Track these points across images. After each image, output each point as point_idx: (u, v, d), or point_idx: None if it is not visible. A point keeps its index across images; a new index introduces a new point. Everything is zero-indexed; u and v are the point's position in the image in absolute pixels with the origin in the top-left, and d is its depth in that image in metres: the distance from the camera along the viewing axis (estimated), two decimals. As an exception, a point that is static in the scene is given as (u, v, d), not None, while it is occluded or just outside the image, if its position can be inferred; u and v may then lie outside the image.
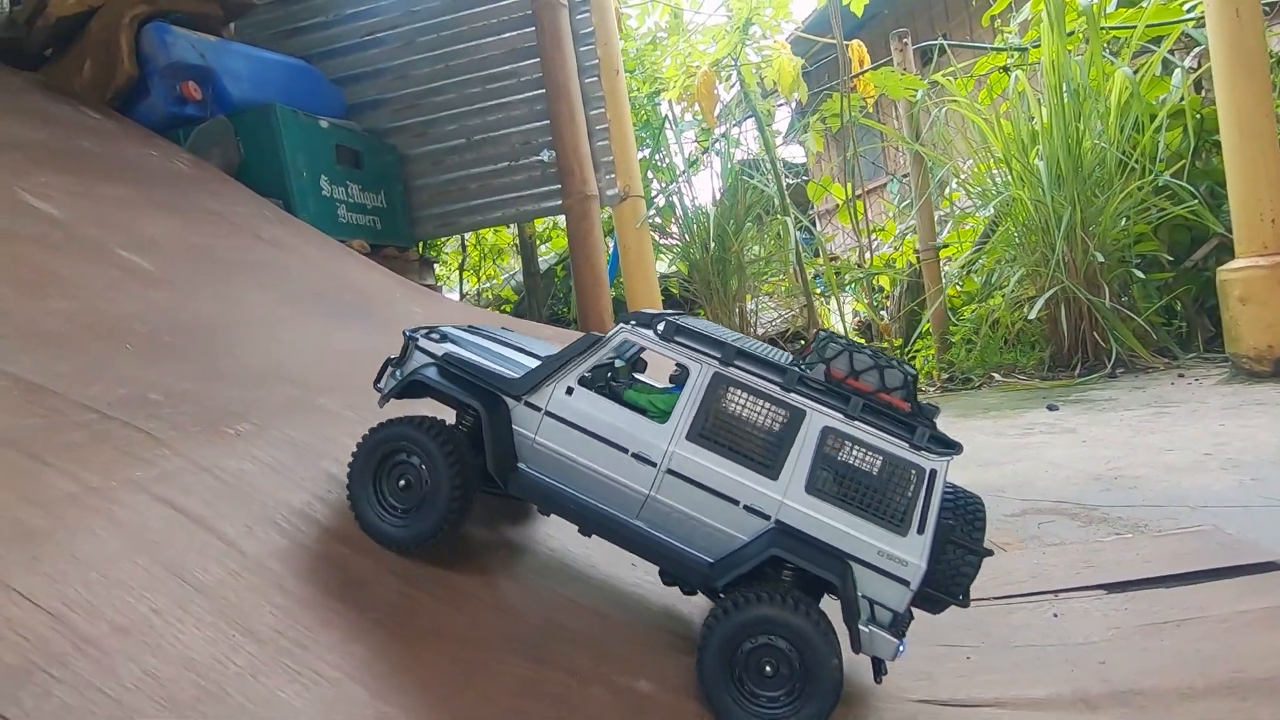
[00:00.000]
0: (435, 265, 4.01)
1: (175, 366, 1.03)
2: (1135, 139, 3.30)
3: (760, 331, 4.13)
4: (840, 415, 0.71)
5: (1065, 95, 3.25)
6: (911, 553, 0.69)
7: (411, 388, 0.83)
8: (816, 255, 4.54)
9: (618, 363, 0.83)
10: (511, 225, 4.31)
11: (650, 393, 0.80)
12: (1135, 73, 3.26)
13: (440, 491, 0.76)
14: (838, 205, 4.76)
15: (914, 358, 4.08)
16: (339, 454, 0.94)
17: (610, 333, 0.78)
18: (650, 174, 4.01)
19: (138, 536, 0.62)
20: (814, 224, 5.26)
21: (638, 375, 0.90)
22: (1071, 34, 3.50)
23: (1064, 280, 3.27)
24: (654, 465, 0.74)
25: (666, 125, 3.98)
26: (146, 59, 2.41)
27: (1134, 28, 3.32)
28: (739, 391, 0.74)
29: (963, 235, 4.18)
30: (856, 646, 0.71)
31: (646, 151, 4.02)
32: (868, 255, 4.25)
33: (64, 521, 0.60)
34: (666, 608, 0.94)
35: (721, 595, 0.73)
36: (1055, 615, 0.99)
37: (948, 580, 0.72)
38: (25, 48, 2.39)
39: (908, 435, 0.70)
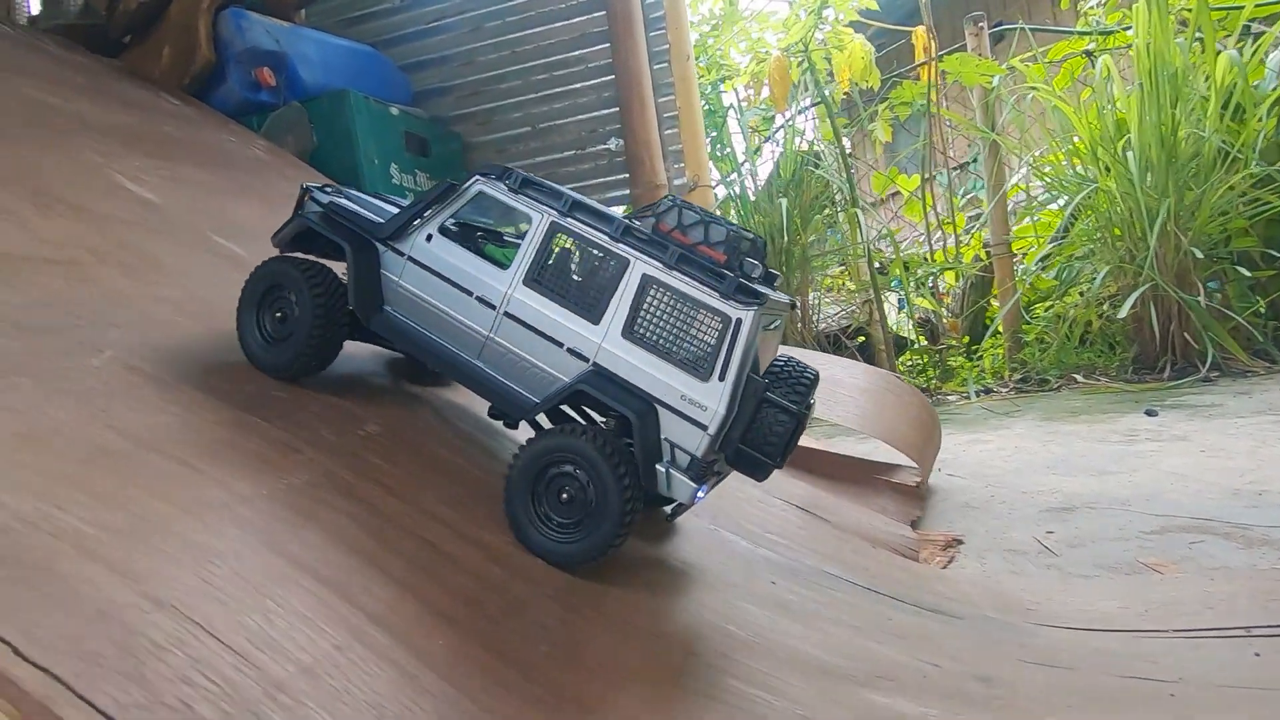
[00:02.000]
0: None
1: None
2: (1233, 128, 3.09)
3: (822, 327, 4.01)
4: (659, 264, 0.74)
5: (1162, 80, 3.05)
6: (710, 398, 0.72)
7: (304, 236, 0.89)
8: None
9: (507, 238, 0.88)
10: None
11: (509, 250, 0.83)
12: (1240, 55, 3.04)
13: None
14: (883, 198, 4.60)
15: (982, 356, 3.92)
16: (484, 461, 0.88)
17: (468, 183, 0.82)
18: (711, 165, 3.89)
19: (300, 555, 0.56)
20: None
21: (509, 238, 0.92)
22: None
23: (1155, 277, 3.08)
24: (494, 308, 0.80)
25: (730, 113, 3.86)
26: (223, 45, 2.40)
27: (1240, 8, 3.10)
28: (572, 239, 0.78)
29: (1038, 229, 3.99)
30: (652, 484, 0.73)
31: (709, 141, 3.91)
32: (933, 249, 4.09)
33: (225, 537, 0.55)
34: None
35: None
36: (1257, 655, 0.88)
37: (761, 439, 0.73)
38: (107, 34, 2.39)
39: (718, 284, 0.72)
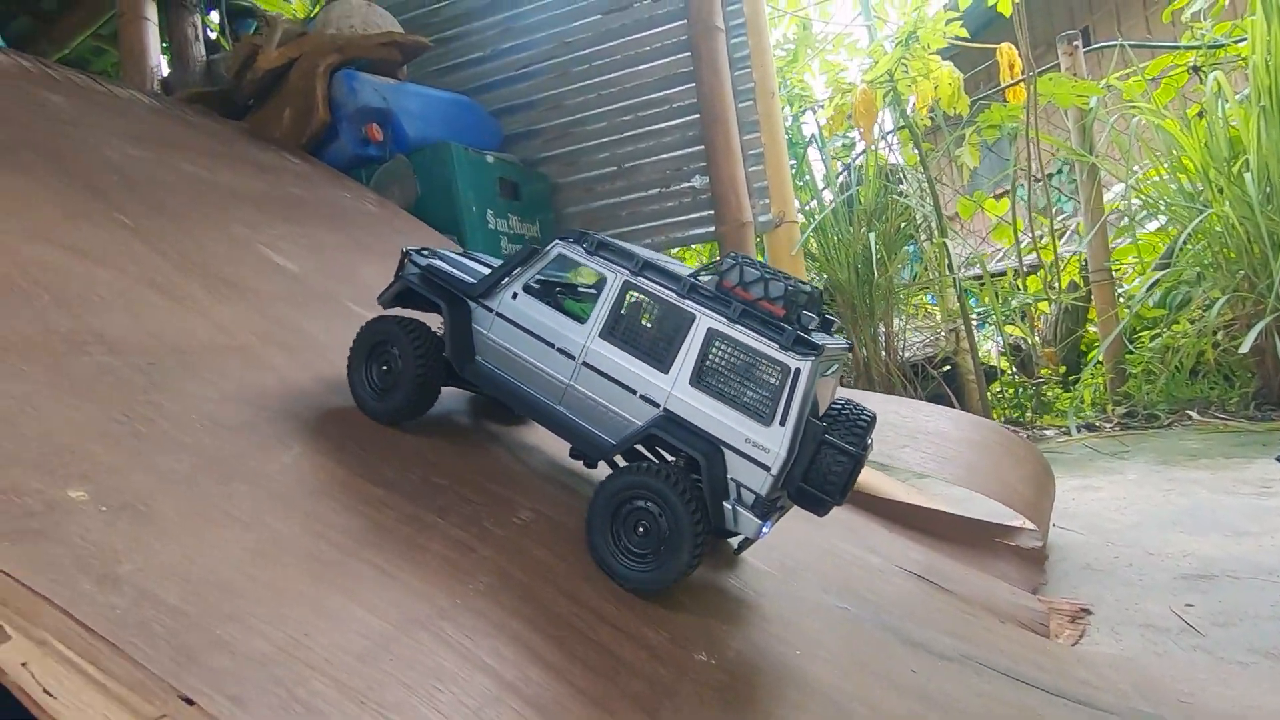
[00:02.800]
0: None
1: (437, 432, 1.04)
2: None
3: (906, 355, 3.91)
4: (723, 319, 0.81)
5: (1286, 98, 2.86)
6: (773, 441, 0.78)
7: (404, 295, 1.01)
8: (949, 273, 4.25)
9: (581, 289, 0.99)
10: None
11: (587, 305, 0.91)
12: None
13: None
14: (968, 222, 4.45)
15: (1081, 388, 3.73)
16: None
17: (549, 247, 0.92)
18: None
19: (503, 673, 0.60)
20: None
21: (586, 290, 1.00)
22: None
23: (1280, 307, 2.87)
24: (573, 359, 0.88)
25: (811, 144, 3.84)
26: (337, 104, 2.56)
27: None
28: (643, 296, 0.86)
29: (1141, 252, 3.78)
30: (720, 521, 0.80)
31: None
32: (1024, 274, 3.94)
33: (439, 657, 0.58)
34: None
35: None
36: None
37: (821, 478, 0.79)
38: (234, 99, 2.59)
39: (778, 337, 0.78)
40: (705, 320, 0.82)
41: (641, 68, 3.12)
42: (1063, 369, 3.86)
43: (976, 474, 1.62)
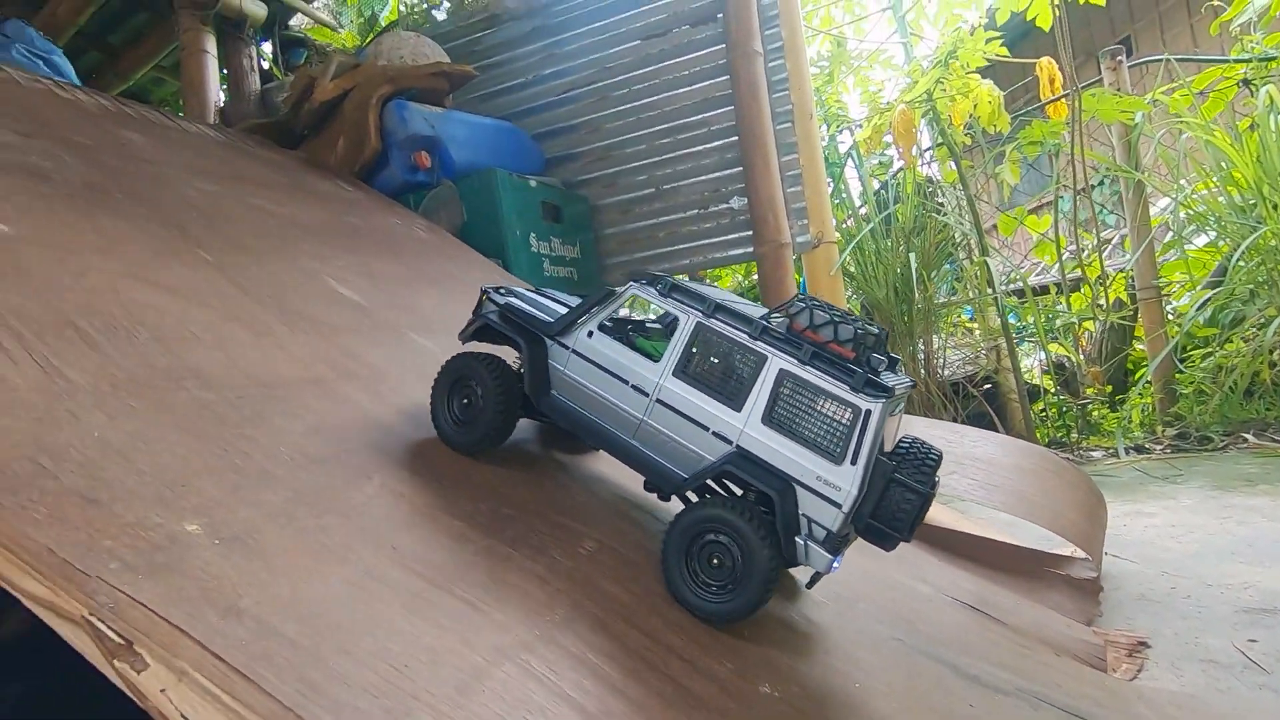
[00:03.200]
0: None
1: (504, 463, 1.08)
2: None
3: (946, 374, 3.87)
4: (795, 360, 0.84)
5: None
6: (844, 480, 0.81)
7: (482, 330, 1.07)
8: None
9: (648, 324, 1.03)
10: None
11: (657, 342, 0.96)
12: None
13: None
14: (1009, 239, 4.39)
15: (1129, 408, 3.65)
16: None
17: (623, 289, 0.97)
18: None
19: (586, 706, 0.63)
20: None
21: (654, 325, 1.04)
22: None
23: (1342, 328, 2.79)
24: (647, 395, 0.92)
25: (848, 162, 3.85)
26: (387, 133, 2.65)
27: None
28: (715, 337, 0.89)
29: (1191, 268, 3.70)
30: (792, 556, 0.83)
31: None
32: (1068, 291, 3.88)
33: (528, 690, 0.62)
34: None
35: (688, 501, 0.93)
36: None
37: (890, 515, 0.82)
38: (291, 129, 2.70)
39: (848, 379, 0.81)
40: (777, 361, 0.85)
41: (680, 91, 3.18)
42: (1109, 388, 3.78)
43: (1026, 501, 1.61)
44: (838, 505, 0.81)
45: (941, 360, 3.84)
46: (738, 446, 0.86)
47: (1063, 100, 3.59)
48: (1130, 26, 7.68)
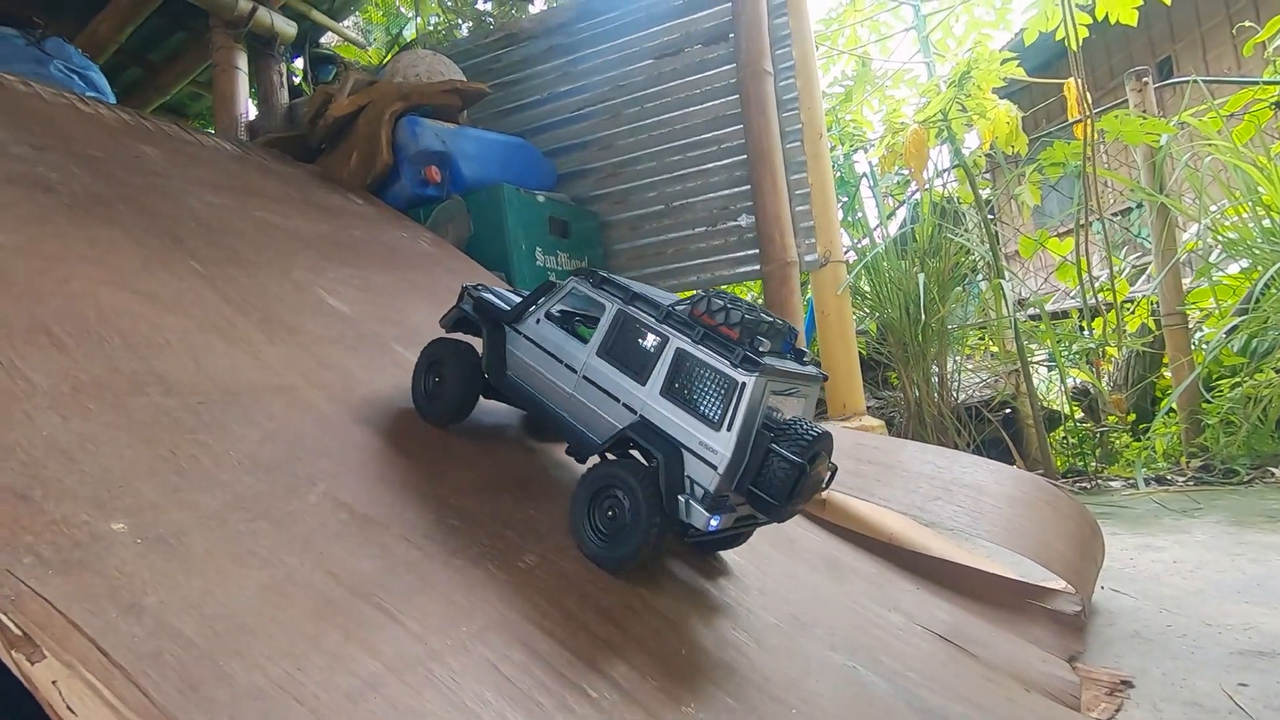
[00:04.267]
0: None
1: (460, 475, 1.09)
2: None
3: (961, 399, 3.79)
4: (689, 340, 0.96)
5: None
6: (721, 444, 0.91)
7: (462, 322, 1.22)
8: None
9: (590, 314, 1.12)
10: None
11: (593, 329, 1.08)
12: None
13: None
14: (1028, 261, 4.29)
15: (1153, 438, 3.53)
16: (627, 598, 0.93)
17: (565, 282, 1.11)
18: (842, 230, 3.85)
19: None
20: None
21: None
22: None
23: (1375, 360, 2.66)
24: (576, 372, 1.06)
25: (863, 183, 3.82)
26: (399, 148, 2.73)
27: None
28: (631, 322, 1.02)
29: (1218, 293, 3.58)
30: (674, 511, 0.93)
31: (840, 207, 3.88)
32: (1089, 316, 3.77)
33: (425, 699, 0.62)
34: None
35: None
36: None
37: (768, 483, 0.90)
38: (308, 143, 2.79)
39: (729, 356, 0.92)
40: (675, 341, 0.97)
41: (692, 109, 3.20)
42: (1132, 416, 3.66)
43: (1013, 531, 1.57)
44: (714, 467, 0.91)
45: (956, 383, 3.77)
46: (640, 416, 0.98)
47: (1083, 123, 3.52)
48: (1171, 46, 7.51)
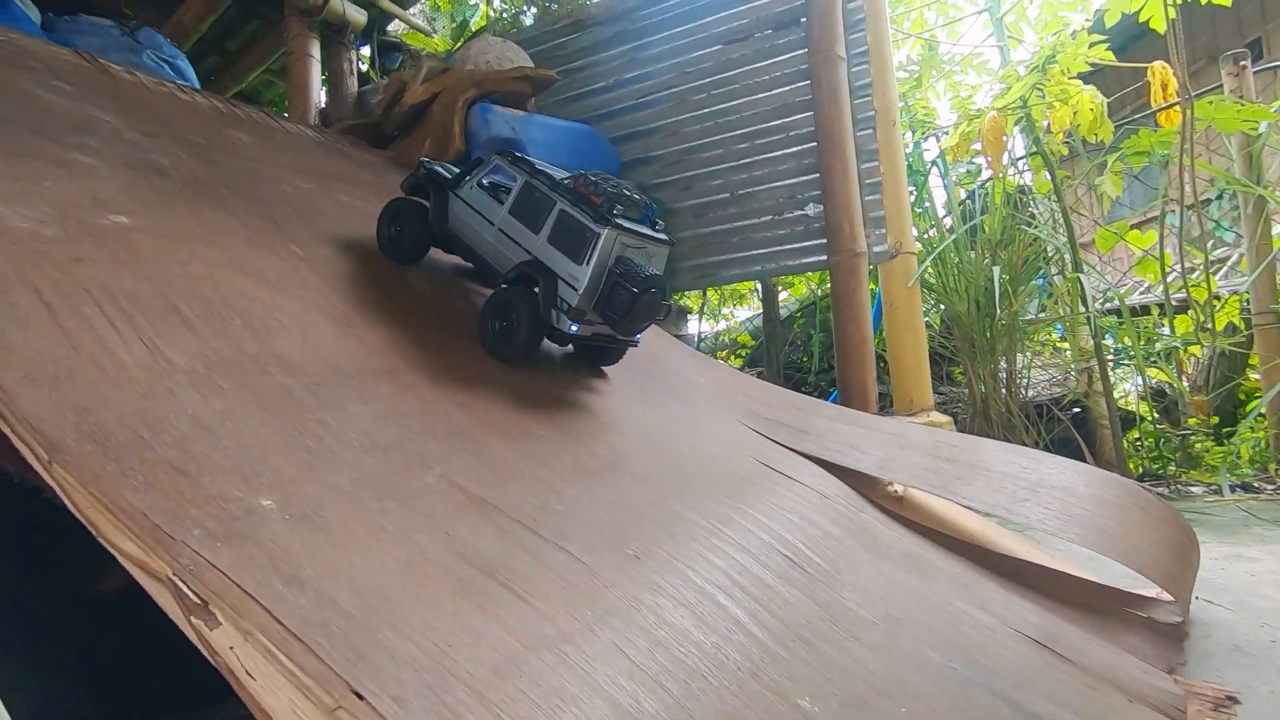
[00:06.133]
0: (687, 314, 4.10)
1: (559, 460, 1.11)
2: None
3: (1030, 395, 3.67)
4: (569, 202, 1.32)
5: None
6: (580, 274, 1.29)
7: (417, 188, 1.59)
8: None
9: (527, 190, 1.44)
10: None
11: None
12: None
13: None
14: (1107, 255, 4.10)
15: (1238, 443, 3.36)
16: (720, 579, 0.94)
17: (491, 159, 1.50)
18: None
19: (620, 701, 0.64)
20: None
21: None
22: None
23: None
24: (493, 224, 1.43)
25: (933, 171, 3.71)
26: (471, 135, 2.75)
27: None
28: (533, 190, 1.38)
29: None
30: (549, 319, 1.32)
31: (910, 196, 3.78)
32: (1172, 313, 3.60)
33: (565, 679, 0.63)
34: None
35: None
36: None
37: (614, 305, 1.29)
38: (381, 130, 2.85)
39: (592, 214, 1.29)
40: (560, 203, 1.33)
41: (760, 96, 3.15)
42: (1215, 420, 3.49)
43: (1104, 535, 1.51)
44: (575, 289, 1.29)
45: (1025, 380, 3.65)
46: (533, 256, 1.35)
47: (1175, 108, 3.34)
48: (1261, 28, 7.07)
